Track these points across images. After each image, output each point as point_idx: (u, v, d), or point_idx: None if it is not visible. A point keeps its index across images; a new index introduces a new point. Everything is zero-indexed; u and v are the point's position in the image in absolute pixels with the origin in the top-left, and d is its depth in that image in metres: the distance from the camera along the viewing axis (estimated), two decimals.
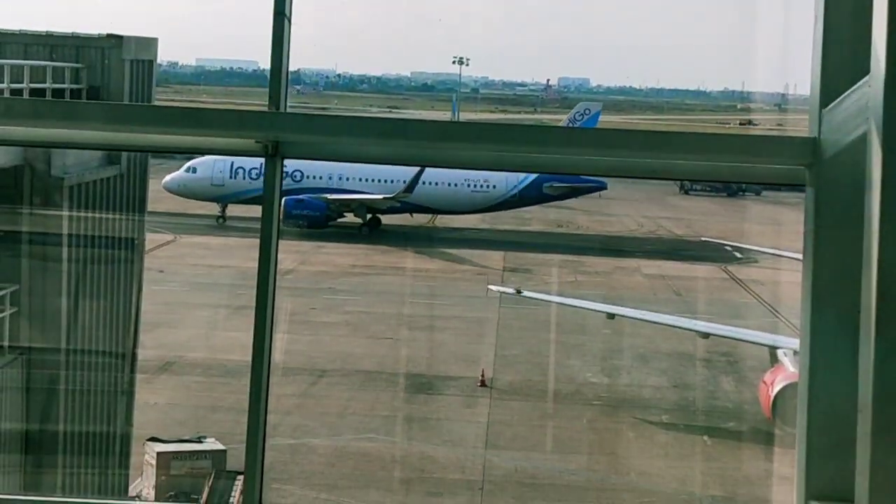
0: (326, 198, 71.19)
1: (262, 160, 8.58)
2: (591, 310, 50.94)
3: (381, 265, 66.56)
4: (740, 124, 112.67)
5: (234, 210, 69.07)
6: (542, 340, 49.62)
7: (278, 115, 8.65)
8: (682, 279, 67.62)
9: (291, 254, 63.41)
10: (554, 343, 49.15)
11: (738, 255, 72.83)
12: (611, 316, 49.10)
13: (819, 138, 7.44)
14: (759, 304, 59.95)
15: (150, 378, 42.00)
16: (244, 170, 70.19)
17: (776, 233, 69.02)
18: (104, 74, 28.28)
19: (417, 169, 67.41)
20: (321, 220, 71.29)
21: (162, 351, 45.63)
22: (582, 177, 71.56)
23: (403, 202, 73.12)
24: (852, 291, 6.55)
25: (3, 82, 26.06)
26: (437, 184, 75.43)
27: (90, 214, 27.34)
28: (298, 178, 71.60)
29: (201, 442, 36.16)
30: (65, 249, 26.16)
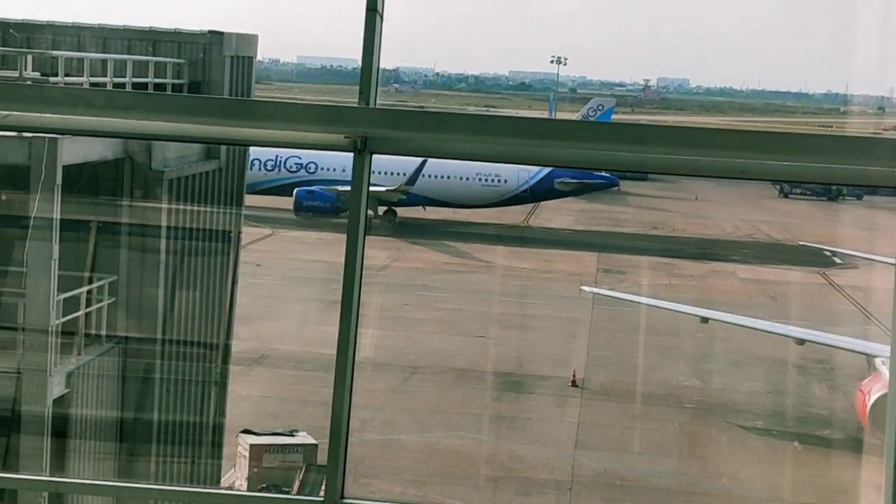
0: (337, 189, 70.85)
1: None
2: (685, 313, 50.45)
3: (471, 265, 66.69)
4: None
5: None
6: (634, 342, 49.30)
7: (366, 111, 8.71)
8: (779, 284, 66.68)
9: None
10: (647, 345, 48.77)
11: (838, 259, 71.57)
12: (704, 320, 48.58)
13: None
14: (857, 311, 58.87)
15: (244, 370, 42.58)
16: (260, 161, 70.27)
17: (877, 237, 67.66)
18: (205, 70, 28.67)
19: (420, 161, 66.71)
20: (332, 210, 71.03)
21: (257, 343, 46.22)
22: (595, 173, 70.72)
23: (413, 195, 72.51)
24: None
25: (106, 76, 26.58)
26: (448, 177, 75.02)
27: (189, 207, 27.75)
28: (313, 170, 71.96)
29: (293, 436, 36.55)
30: (163, 241, 26.57)
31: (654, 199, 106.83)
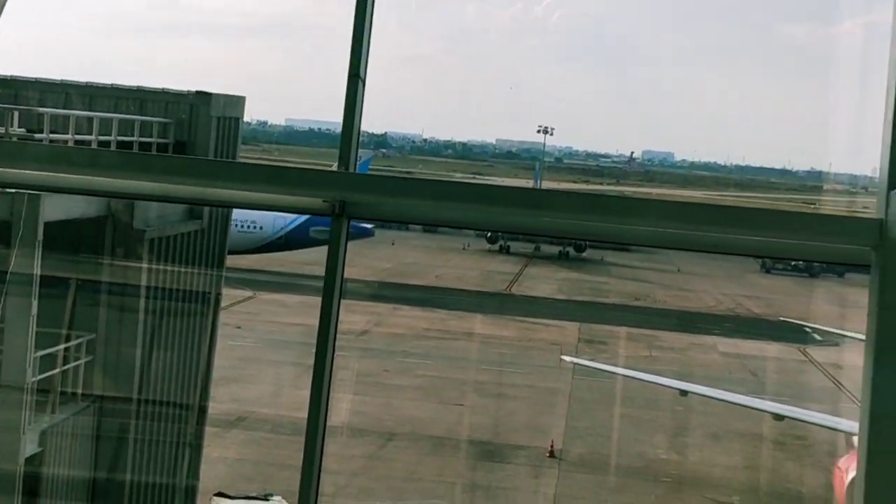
0: None
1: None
2: (665, 385, 50.43)
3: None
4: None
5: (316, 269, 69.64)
6: (613, 414, 49.13)
7: (345, 175, 8.77)
8: (759, 359, 66.69)
9: None
10: (625, 417, 48.61)
11: (818, 336, 71.68)
12: (684, 393, 48.55)
13: (886, 220, 7.37)
14: (836, 388, 58.89)
15: (220, 432, 42.27)
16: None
17: (858, 316, 67.73)
18: (191, 130, 28.79)
19: None
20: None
21: (234, 405, 45.95)
22: (351, 222, 69.58)
23: None
24: None
25: (91, 134, 26.65)
26: None
27: (169, 267, 27.72)
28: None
29: (268, 500, 36.15)
30: (142, 301, 26.51)
31: (637, 270, 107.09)
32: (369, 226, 69.34)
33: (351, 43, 9.03)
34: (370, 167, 72.36)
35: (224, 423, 43.99)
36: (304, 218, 74.68)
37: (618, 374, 53.94)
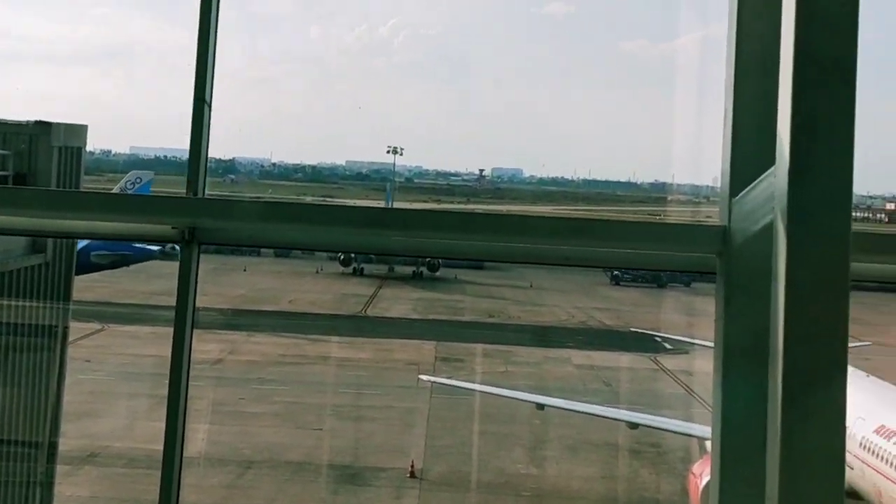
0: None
1: None
2: (522, 400, 50.92)
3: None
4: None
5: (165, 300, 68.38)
6: (472, 431, 49.36)
7: (194, 201, 8.63)
8: (612, 369, 67.87)
9: None
10: (485, 433, 48.89)
11: (668, 346, 73.30)
12: (540, 406, 49.08)
13: (729, 227, 7.56)
14: (687, 395, 60.27)
15: (72, 470, 41.16)
16: None
17: (705, 324, 69.53)
18: (31, 161, 27.99)
19: None
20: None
21: (86, 441, 44.80)
22: (134, 244, 68.87)
23: None
24: (762, 378, 6.59)
25: None
26: None
27: (13, 302, 26.91)
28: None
29: None
30: None
31: (491, 288, 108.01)
32: (154, 248, 67.68)
33: (195, 67, 8.90)
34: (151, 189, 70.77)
35: (76, 459, 42.85)
36: (83, 243, 72.45)
37: (476, 390, 54.30)
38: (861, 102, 6.25)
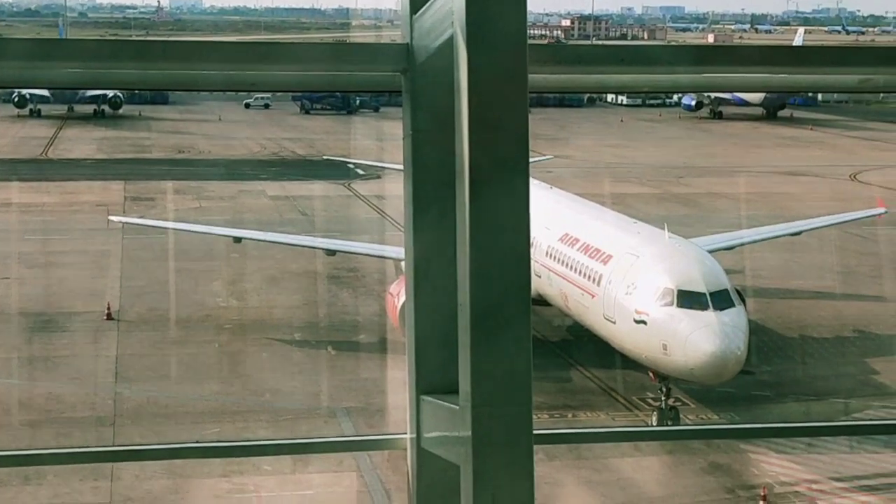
0: None
1: None
2: (218, 234, 50.51)
3: None
4: None
5: None
6: (168, 269, 48.65)
7: None
8: (307, 199, 68.19)
9: None
10: (182, 271, 48.26)
11: (361, 171, 74.16)
12: (237, 240, 48.82)
13: (411, 44, 7.52)
14: (381, 219, 61.41)
15: None
16: None
17: (395, 147, 70.65)
18: None
19: None
20: None
21: None
22: None
23: None
24: (449, 195, 6.69)
25: None
26: None
27: None
28: None
29: None
30: None
31: (178, 123, 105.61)
32: None
33: None
34: None
35: None
36: None
37: (169, 228, 53.40)
38: None
